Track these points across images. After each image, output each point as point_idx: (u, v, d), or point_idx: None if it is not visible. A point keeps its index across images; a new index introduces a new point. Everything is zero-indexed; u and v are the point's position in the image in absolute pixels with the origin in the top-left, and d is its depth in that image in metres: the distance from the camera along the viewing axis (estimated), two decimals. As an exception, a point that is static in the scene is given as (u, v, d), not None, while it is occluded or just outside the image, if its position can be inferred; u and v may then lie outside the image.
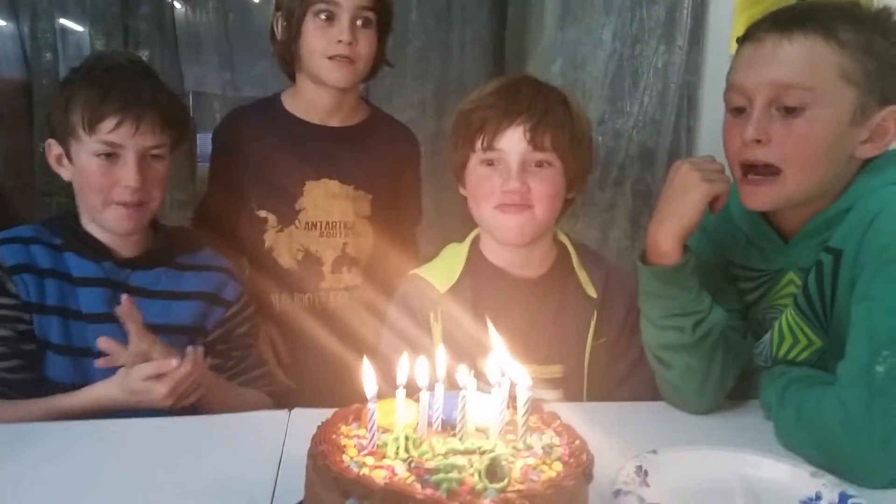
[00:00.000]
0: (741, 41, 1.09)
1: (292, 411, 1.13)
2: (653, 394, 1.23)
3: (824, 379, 1.05)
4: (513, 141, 1.19)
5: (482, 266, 1.29)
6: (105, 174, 1.24)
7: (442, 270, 1.30)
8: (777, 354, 1.15)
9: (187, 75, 2.28)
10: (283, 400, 1.36)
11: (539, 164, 1.21)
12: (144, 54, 2.21)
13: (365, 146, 1.58)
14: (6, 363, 1.21)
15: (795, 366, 1.14)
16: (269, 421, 1.10)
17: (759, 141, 1.03)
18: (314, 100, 1.55)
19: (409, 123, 1.76)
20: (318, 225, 1.55)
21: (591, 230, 2.14)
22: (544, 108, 1.20)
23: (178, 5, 2.29)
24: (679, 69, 1.98)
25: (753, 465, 0.96)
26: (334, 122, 1.57)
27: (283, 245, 1.56)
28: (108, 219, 1.27)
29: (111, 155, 1.24)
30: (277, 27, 1.54)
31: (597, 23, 2.12)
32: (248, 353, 1.40)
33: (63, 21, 2.22)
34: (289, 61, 1.55)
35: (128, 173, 1.24)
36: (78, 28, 2.25)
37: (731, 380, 1.18)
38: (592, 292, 1.28)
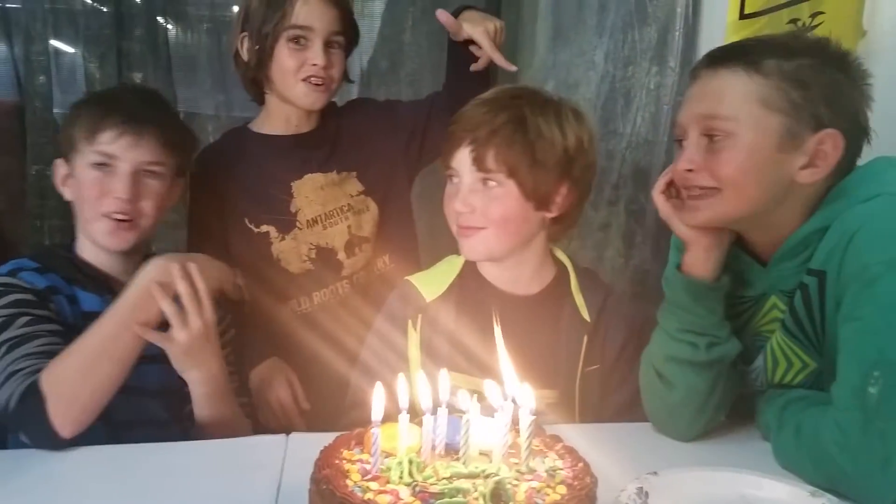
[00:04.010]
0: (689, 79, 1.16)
1: (290, 436, 1.12)
2: None
3: (822, 399, 1.05)
4: (461, 161, 1.23)
5: (474, 279, 1.30)
6: (98, 185, 1.27)
7: (434, 279, 1.32)
8: (772, 379, 1.15)
9: (181, 97, 2.28)
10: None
11: (485, 183, 1.22)
12: (138, 76, 2.22)
13: (329, 134, 1.62)
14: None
15: (792, 388, 1.13)
16: (267, 445, 1.10)
17: (690, 170, 1.08)
18: (288, 117, 1.58)
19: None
20: (319, 218, 1.58)
21: (586, 249, 2.14)
22: (491, 130, 1.20)
23: (171, 28, 2.30)
24: (671, 90, 1.98)
25: (753, 485, 0.96)
26: (304, 129, 1.61)
27: (289, 252, 1.57)
28: (97, 231, 1.28)
29: (106, 166, 1.27)
30: (243, 49, 1.54)
31: (589, 45, 2.13)
32: (233, 379, 1.34)
33: (56, 43, 2.22)
34: (258, 83, 1.57)
35: (118, 184, 1.26)
36: (71, 50, 2.25)
37: (724, 411, 1.18)
38: (587, 316, 1.26)
